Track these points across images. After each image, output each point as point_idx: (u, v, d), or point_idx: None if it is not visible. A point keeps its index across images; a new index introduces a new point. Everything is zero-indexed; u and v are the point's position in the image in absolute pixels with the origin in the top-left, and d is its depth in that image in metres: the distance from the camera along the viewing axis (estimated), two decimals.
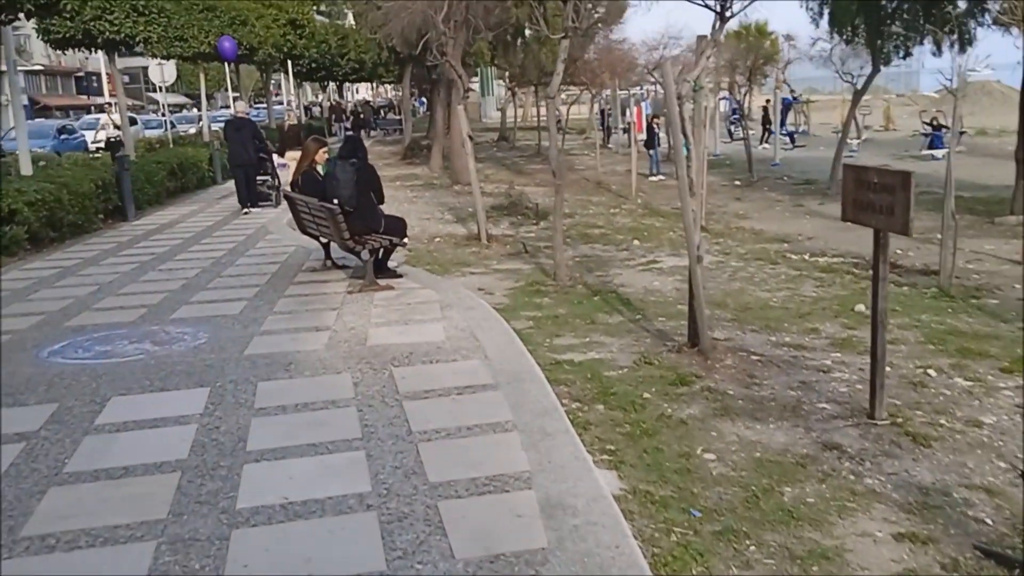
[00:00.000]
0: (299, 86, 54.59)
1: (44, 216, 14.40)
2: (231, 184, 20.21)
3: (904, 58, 21.61)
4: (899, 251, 12.53)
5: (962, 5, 18.74)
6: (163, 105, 35.42)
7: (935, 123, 29.71)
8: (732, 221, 17.05)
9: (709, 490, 5.19)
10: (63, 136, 32.72)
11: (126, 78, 43.67)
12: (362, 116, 54.13)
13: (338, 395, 6.73)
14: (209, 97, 39.73)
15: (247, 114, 20.61)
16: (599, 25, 28.78)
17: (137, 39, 23.54)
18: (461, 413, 6.27)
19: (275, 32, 30.37)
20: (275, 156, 20.42)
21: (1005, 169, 19.10)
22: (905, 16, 19.64)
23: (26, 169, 16.13)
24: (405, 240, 11.42)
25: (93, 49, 23.82)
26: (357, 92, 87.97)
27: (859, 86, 22.00)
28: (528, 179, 25.32)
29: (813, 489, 5.19)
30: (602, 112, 37.86)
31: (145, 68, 33.16)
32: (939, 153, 26.93)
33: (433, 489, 5.00)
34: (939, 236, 11.29)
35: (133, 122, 32.90)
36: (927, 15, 18.83)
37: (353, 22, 46.18)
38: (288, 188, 12.63)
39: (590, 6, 16.07)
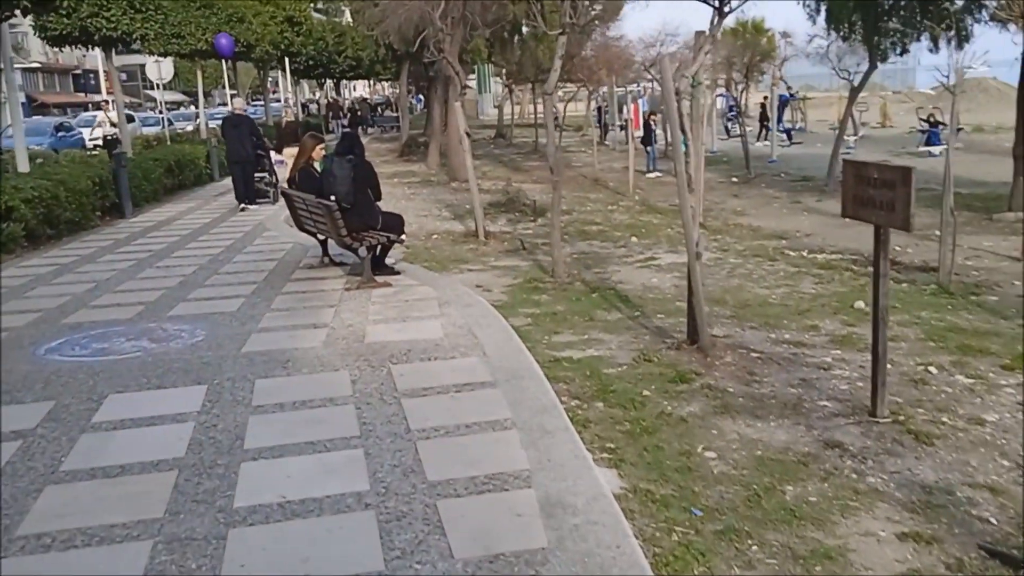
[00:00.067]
0: (296, 83, 54.47)
1: (41, 213, 14.36)
2: (228, 181, 20.18)
3: (901, 55, 21.59)
4: (897, 247, 12.49)
5: (959, 1, 18.71)
6: (160, 102, 35.41)
7: (932, 120, 29.69)
8: (730, 218, 17.04)
9: (710, 489, 5.16)
10: (61, 134, 32.74)
11: (123, 76, 43.65)
12: (359, 113, 54.09)
13: (336, 393, 6.68)
14: (206, 94, 39.63)
15: (244, 111, 20.57)
16: (596, 22, 28.78)
17: (134, 36, 23.54)
18: (460, 411, 6.23)
19: (272, 29, 30.34)
20: (272, 153, 20.38)
21: (1002, 165, 19.07)
22: (902, 12, 19.61)
23: (23, 166, 16.09)
24: (402, 237, 11.39)
25: (90, 46, 23.81)
26: (354, 89, 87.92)
27: (856, 83, 21.98)
28: (525, 176, 25.28)
29: (815, 488, 5.15)
30: (599, 109, 37.84)
31: (143, 66, 33.16)
32: (936, 150, 26.90)
33: (432, 488, 4.96)
34: (937, 233, 11.27)
35: (130, 119, 32.88)
36: (924, 11, 18.79)
37: (350, 19, 46.20)
38: (285, 185, 12.59)
39: (587, 2, 16.06)
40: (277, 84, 59.67)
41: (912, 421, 6.16)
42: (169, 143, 25.84)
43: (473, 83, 53.66)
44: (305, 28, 36.15)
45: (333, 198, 10.47)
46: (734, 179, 23.81)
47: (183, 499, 4.92)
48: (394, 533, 4.46)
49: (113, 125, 28.66)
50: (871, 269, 10.87)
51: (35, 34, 23.50)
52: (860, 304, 9.50)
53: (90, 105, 63.23)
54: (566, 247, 12.70)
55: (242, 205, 18.76)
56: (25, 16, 18.20)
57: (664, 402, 6.63)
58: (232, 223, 16.90)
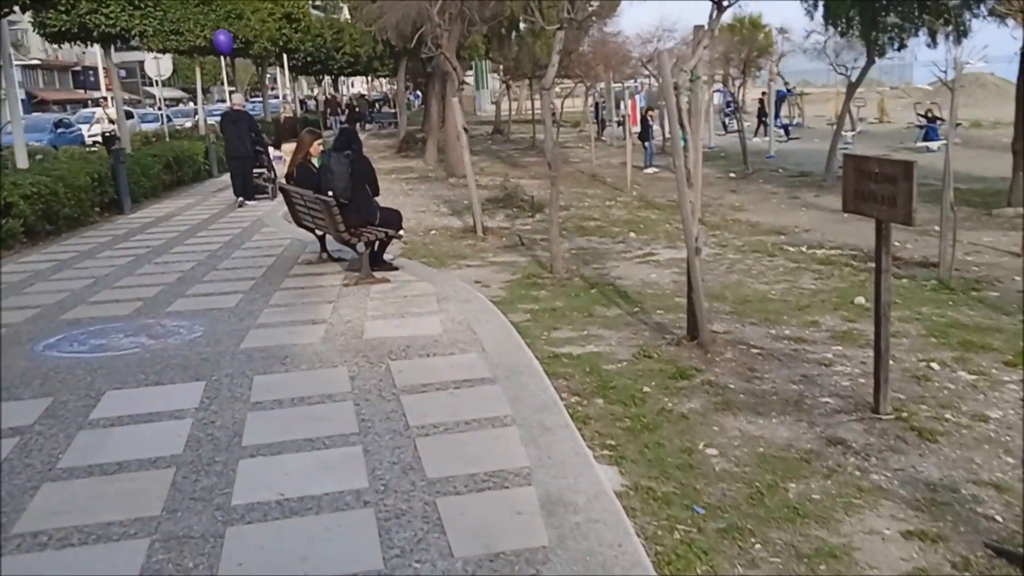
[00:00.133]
0: (295, 80, 54.41)
1: (40, 209, 14.32)
2: (227, 177, 20.15)
3: (899, 50, 21.57)
4: (897, 243, 12.45)
5: None
6: (159, 99, 35.36)
7: (930, 115, 29.68)
8: (728, 213, 17.00)
9: (712, 486, 5.12)
10: (60, 130, 32.78)
11: (122, 72, 43.62)
12: (357, 110, 54.00)
13: (334, 389, 6.64)
14: (205, 91, 39.57)
15: (243, 107, 20.53)
16: (593, 18, 28.72)
17: (133, 32, 23.49)
18: (459, 407, 6.19)
19: (270, 26, 30.26)
20: (271, 149, 20.33)
21: (1001, 161, 19.05)
22: (900, 8, 19.57)
23: (22, 162, 16.06)
24: (400, 232, 11.34)
25: (89, 43, 23.74)
26: (352, 86, 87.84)
27: (853, 78, 21.95)
28: (523, 172, 25.24)
29: (818, 485, 5.11)
30: (596, 105, 37.81)
31: (141, 62, 33.10)
32: (934, 145, 26.88)
33: (431, 485, 4.92)
34: (937, 228, 11.25)
35: (129, 116, 32.85)
36: (922, 6, 18.76)
37: (348, 16, 46.12)
38: (283, 181, 12.55)
39: None
40: (275, 81, 59.59)
41: (915, 418, 6.13)
42: (168, 139, 25.81)
43: (471, 79, 53.67)
44: (303, 24, 36.07)
45: (331, 194, 10.42)
46: (732, 175, 23.78)
47: (180, 497, 4.88)
48: (393, 531, 4.41)
49: (112, 122, 28.61)
50: (871, 265, 10.89)
51: (34, 30, 23.44)
52: (860, 300, 9.47)
53: (89, 102, 63.19)
54: (564, 243, 12.66)
55: (240, 201, 18.72)
56: (24, 12, 18.15)
57: (665, 398, 6.59)
58: (230, 219, 16.86)
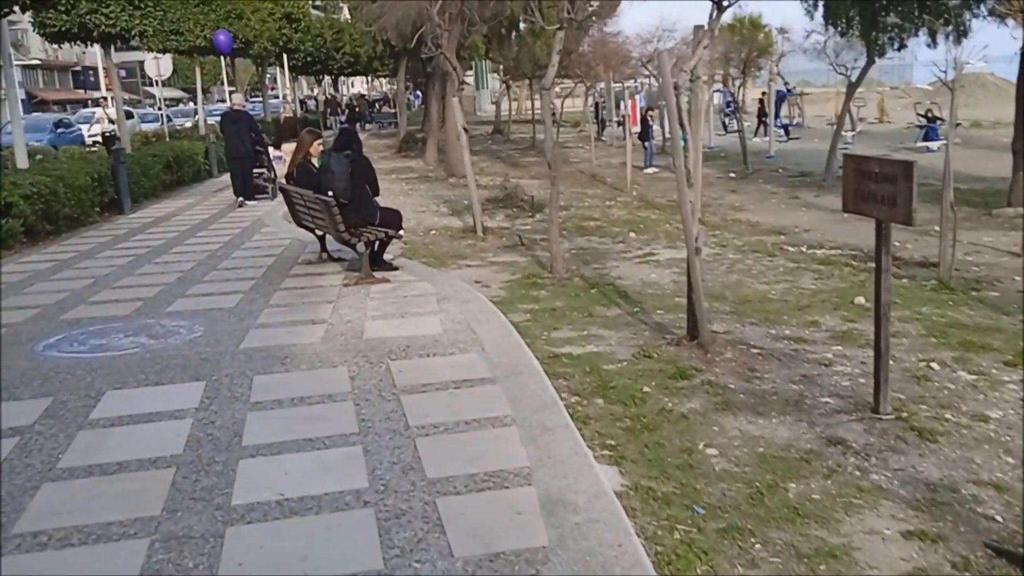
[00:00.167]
0: (295, 80, 54.41)
1: (40, 209, 14.32)
2: (227, 177, 20.15)
3: (899, 50, 21.56)
4: (897, 243, 12.45)
5: None
6: (159, 99, 35.37)
7: (930, 115, 29.68)
8: (728, 213, 17.00)
9: (712, 486, 5.12)
10: (60, 130, 32.80)
11: (123, 72, 43.61)
12: (357, 110, 53.98)
13: (334, 389, 6.64)
14: (205, 91, 39.57)
15: (243, 107, 20.53)
16: (593, 18, 28.71)
17: (133, 32, 23.50)
18: (459, 407, 6.19)
19: (270, 26, 30.27)
20: (271, 149, 20.33)
21: (1000, 161, 19.05)
22: (900, 8, 19.57)
23: (22, 162, 16.06)
24: (400, 232, 11.34)
25: (89, 43, 23.76)
26: (352, 86, 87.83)
27: (853, 78, 21.94)
28: (523, 172, 25.23)
29: (818, 485, 5.11)
30: (596, 105, 37.81)
31: (142, 62, 33.13)
32: (934, 145, 26.87)
33: (431, 485, 4.92)
34: (937, 228, 11.24)
35: (129, 116, 32.85)
36: (922, 6, 18.75)
37: (348, 16, 46.11)
38: (283, 181, 12.54)
39: None
40: (275, 81, 59.59)
41: (915, 418, 6.12)
42: (168, 139, 25.82)
43: (471, 79, 53.65)
44: (303, 25, 36.07)
45: (331, 194, 10.42)
46: (732, 175, 23.77)
47: (180, 497, 4.88)
48: (393, 531, 4.41)
49: (112, 122, 28.62)
50: (871, 265, 10.89)
51: (34, 30, 23.46)
52: (860, 300, 9.47)
53: (89, 102, 63.26)
54: (564, 243, 12.66)
55: (240, 200, 18.72)
56: (24, 12, 18.15)
57: (665, 398, 6.59)
58: (230, 219, 16.86)
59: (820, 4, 21.51)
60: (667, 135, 28.46)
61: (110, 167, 17.72)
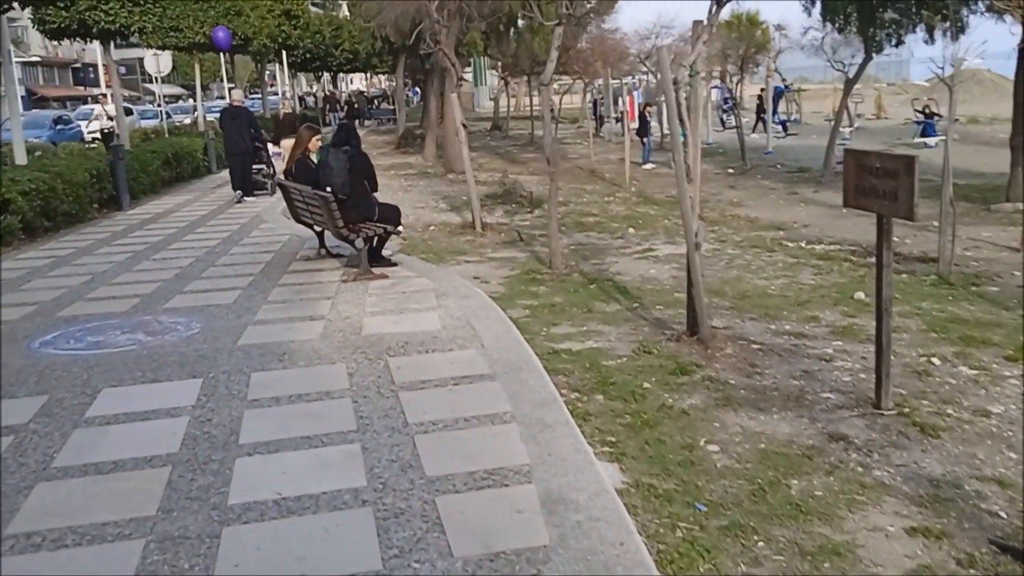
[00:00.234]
0: (294, 77, 54.38)
1: (38, 206, 14.29)
2: (226, 173, 20.17)
3: (896, 46, 21.49)
4: (896, 238, 12.37)
5: None
6: (159, 96, 35.35)
7: (927, 111, 29.64)
8: (727, 209, 16.94)
9: (714, 483, 5.08)
10: (59, 127, 32.87)
11: (122, 69, 43.49)
12: (356, 106, 53.96)
13: (333, 386, 6.60)
14: (204, 88, 39.51)
15: (243, 103, 20.48)
16: (592, 14, 28.69)
17: (132, 29, 23.51)
18: (458, 404, 6.15)
19: (269, 22, 30.21)
20: (270, 145, 20.29)
21: (998, 156, 19.03)
22: (898, 4, 19.51)
23: (21, 159, 16.02)
24: (399, 228, 11.30)
25: (88, 39, 23.75)
26: (351, 83, 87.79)
27: (851, 75, 21.90)
28: (522, 168, 25.18)
29: (821, 482, 5.07)
30: (595, 102, 37.79)
31: (141, 59, 33.10)
32: (932, 141, 26.85)
33: (430, 483, 4.87)
34: (936, 223, 11.20)
35: (129, 112, 32.82)
36: (920, 2, 18.70)
37: (347, 12, 46.07)
38: (282, 176, 12.51)
39: None
40: (275, 77, 59.51)
41: (917, 413, 6.08)
42: (167, 136, 25.78)
43: (469, 76, 53.62)
44: (302, 21, 35.99)
45: (329, 190, 10.38)
46: (730, 170, 23.71)
47: (176, 496, 4.83)
48: (392, 531, 4.37)
49: (110, 118, 28.58)
50: (870, 260, 10.89)
51: (34, 27, 23.47)
52: (860, 295, 9.43)
53: (89, 99, 63.23)
54: (563, 238, 12.61)
55: (239, 195, 18.68)
56: (24, 8, 18.13)
57: (665, 394, 6.55)
58: (229, 215, 16.82)
59: (818, 0, 21.45)
60: (665, 131, 28.53)
61: (109, 163, 17.70)
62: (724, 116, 39.25)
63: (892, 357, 6.48)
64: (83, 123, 35.75)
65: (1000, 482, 5.04)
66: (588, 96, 37.85)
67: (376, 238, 10.78)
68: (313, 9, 46.14)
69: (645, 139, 26.43)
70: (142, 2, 23.26)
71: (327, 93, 60.70)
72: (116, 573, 4.11)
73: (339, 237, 10.72)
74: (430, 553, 4.16)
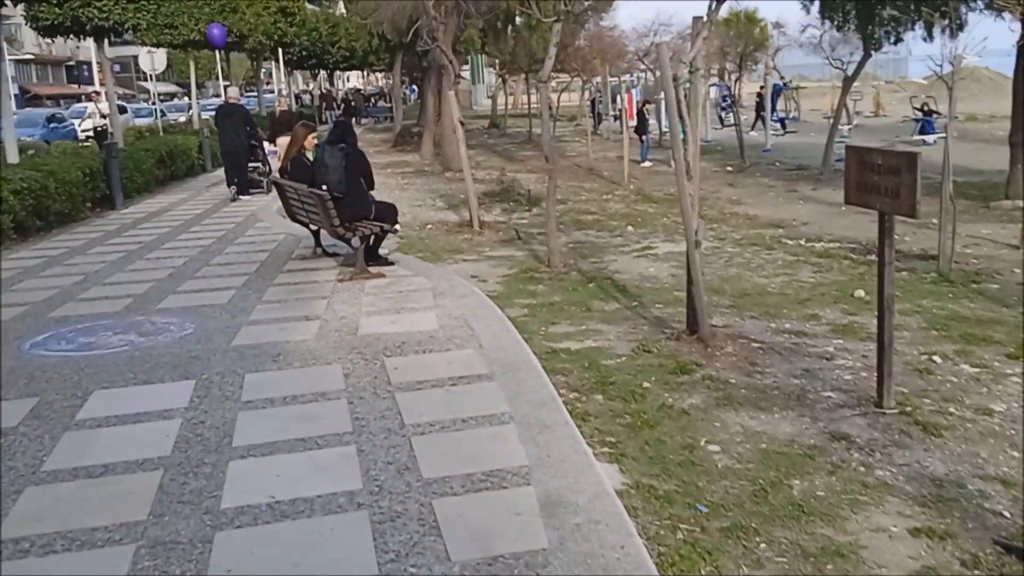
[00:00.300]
0: (290, 74, 54.28)
1: (30, 205, 14.20)
2: (221, 172, 20.14)
3: (895, 44, 21.46)
4: (895, 235, 12.32)
5: None
6: (153, 94, 35.29)
7: (926, 108, 29.60)
8: (726, 207, 16.89)
9: (715, 484, 5.01)
10: (52, 125, 32.74)
11: (117, 67, 43.48)
12: (353, 104, 53.92)
13: (328, 387, 6.53)
14: (200, 86, 39.49)
15: (238, 100, 20.40)
16: (590, 12, 28.67)
17: (126, 26, 23.42)
18: (456, 405, 6.08)
19: (265, 20, 30.13)
20: (266, 143, 20.22)
21: (997, 154, 19.00)
22: (898, 1, 19.46)
23: (13, 157, 15.93)
24: (396, 227, 11.23)
25: (82, 36, 23.67)
26: (348, 80, 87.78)
27: (849, 72, 21.86)
28: (520, 165, 25.12)
29: (823, 482, 5.00)
30: (593, 100, 37.75)
31: (136, 57, 33.04)
32: (930, 138, 26.81)
33: (427, 486, 4.80)
34: (935, 221, 11.14)
35: (123, 110, 32.74)
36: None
37: (344, 10, 45.97)
38: (277, 175, 12.44)
39: None
40: (271, 75, 59.46)
41: (919, 412, 6.02)
42: (162, 134, 25.70)
43: (466, 74, 53.58)
44: (298, 19, 35.93)
45: (325, 188, 10.31)
46: (729, 168, 23.66)
47: (168, 500, 4.76)
48: (388, 535, 4.30)
49: (103, 116, 28.51)
50: (869, 257, 10.84)
51: (26, 24, 23.39)
52: (860, 293, 9.37)
53: (83, 96, 63.22)
54: (562, 237, 12.54)
55: (234, 192, 18.60)
56: (16, 5, 18.04)
57: (665, 394, 6.48)
58: (224, 214, 16.76)
59: None
60: (663, 129, 28.49)
61: (102, 162, 17.61)
62: (722, 114, 39.20)
63: (893, 355, 6.41)
64: (76, 121, 35.67)
65: (1004, 481, 4.98)
66: (586, 94, 37.81)
67: (373, 237, 10.71)
68: (309, 6, 46.01)
69: (643, 137, 26.38)
70: None
71: (324, 91, 60.67)
72: None
73: (335, 236, 10.65)
74: (427, 557, 4.09)
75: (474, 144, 29.20)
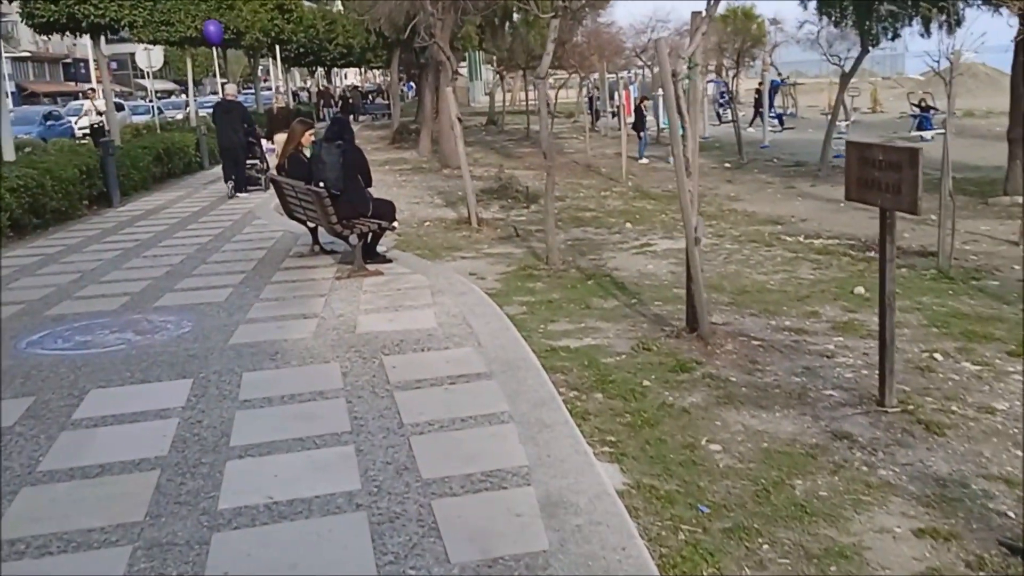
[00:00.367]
0: (287, 71, 54.21)
1: (27, 202, 14.15)
2: (218, 169, 20.06)
3: (892, 40, 21.46)
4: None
5: None
6: (150, 91, 35.24)
7: (923, 104, 29.58)
8: (724, 203, 16.86)
9: (716, 484, 4.97)
10: (49, 122, 32.65)
11: (114, 64, 43.41)
12: (350, 101, 53.83)
13: (326, 386, 6.49)
14: (197, 83, 39.43)
15: (236, 97, 20.34)
16: (587, 8, 28.61)
17: (122, 23, 23.35)
18: (455, 404, 6.04)
19: (262, 16, 30.06)
20: (264, 140, 20.17)
21: (995, 150, 18.99)
22: None
23: (9, 155, 15.88)
24: (394, 224, 11.18)
25: (78, 34, 23.60)
26: (345, 77, 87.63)
27: (846, 69, 21.84)
28: (518, 162, 25.08)
29: (825, 482, 4.96)
30: (590, 96, 37.73)
31: (133, 54, 32.99)
32: (928, 134, 26.79)
33: (426, 486, 4.76)
34: (934, 217, 11.11)
35: (120, 108, 32.69)
36: None
37: (341, 7, 45.89)
38: (274, 172, 12.40)
39: None
40: (268, 72, 59.38)
41: (921, 410, 5.98)
42: (159, 131, 25.65)
43: (464, 71, 53.44)
44: (296, 15, 35.86)
45: (322, 185, 10.27)
46: (727, 165, 23.64)
47: (165, 501, 4.71)
48: (387, 536, 4.26)
49: (99, 113, 28.49)
50: (869, 254, 10.83)
51: (22, 21, 23.32)
52: (860, 290, 9.34)
53: (80, 94, 63.17)
54: (560, 234, 12.50)
55: (231, 188, 18.56)
56: (12, 2, 17.98)
57: (665, 392, 6.44)
58: (221, 211, 16.71)
59: None
60: (661, 125, 28.46)
61: (98, 159, 17.56)
62: (720, 110, 39.18)
63: (895, 353, 6.38)
64: (73, 119, 35.63)
65: (1007, 481, 4.94)
66: (584, 90, 37.79)
67: (370, 234, 10.66)
68: (306, 3, 45.91)
69: (641, 133, 26.35)
70: None
71: (321, 88, 60.55)
72: None
73: (333, 233, 10.61)
74: (426, 559, 4.05)
75: (472, 141, 29.12)
